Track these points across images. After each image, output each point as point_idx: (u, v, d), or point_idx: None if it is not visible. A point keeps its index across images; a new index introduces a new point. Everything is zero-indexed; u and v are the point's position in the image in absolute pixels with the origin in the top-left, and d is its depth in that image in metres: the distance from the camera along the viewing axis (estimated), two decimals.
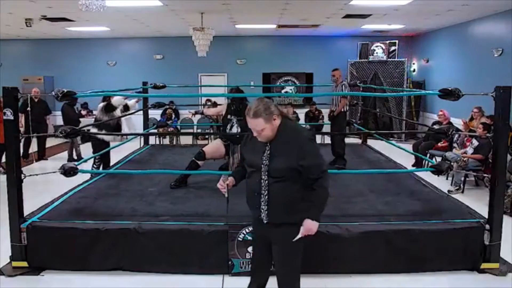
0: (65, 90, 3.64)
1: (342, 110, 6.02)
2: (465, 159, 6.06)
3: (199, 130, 10.75)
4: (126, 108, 6.27)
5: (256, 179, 2.37)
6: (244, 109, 4.79)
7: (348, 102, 6.35)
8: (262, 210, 2.38)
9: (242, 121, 4.63)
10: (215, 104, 10.18)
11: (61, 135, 3.79)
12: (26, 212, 3.67)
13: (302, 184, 2.35)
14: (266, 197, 2.36)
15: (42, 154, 8.48)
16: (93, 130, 5.88)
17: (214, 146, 4.85)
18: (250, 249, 3.30)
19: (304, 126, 9.15)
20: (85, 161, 4.95)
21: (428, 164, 4.67)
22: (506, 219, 3.82)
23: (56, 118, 12.03)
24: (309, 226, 2.36)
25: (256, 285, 2.62)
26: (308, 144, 2.34)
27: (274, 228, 2.41)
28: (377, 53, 11.15)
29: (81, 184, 4.76)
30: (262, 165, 2.34)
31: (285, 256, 2.44)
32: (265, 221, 2.39)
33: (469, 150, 6.24)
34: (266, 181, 2.34)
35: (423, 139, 7.60)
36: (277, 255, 2.47)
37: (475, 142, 6.16)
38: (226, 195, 2.52)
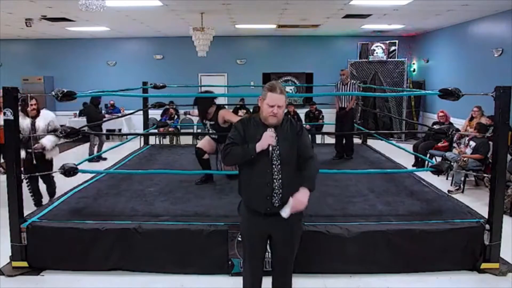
0: (65, 90, 3.64)
1: (353, 106, 6.52)
2: (465, 159, 6.06)
3: (199, 130, 10.74)
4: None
5: (266, 166, 2.42)
6: (216, 113, 4.64)
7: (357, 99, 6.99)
8: (275, 195, 2.42)
9: (215, 125, 4.67)
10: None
11: (61, 135, 3.79)
12: (26, 212, 3.67)
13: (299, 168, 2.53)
14: (280, 180, 2.43)
15: None
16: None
17: (205, 141, 4.90)
18: None
19: (304, 125, 9.13)
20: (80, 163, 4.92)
21: (428, 164, 4.67)
22: (506, 219, 3.82)
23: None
24: (300, 200, 2.35)
25: None
26: (303, 128, 2.59)
27: (280, 216, 2.44)
28: (377, 53, 11.15)
29: (81, 184, 4.76)
30: (273, 150, 2.41)
31: (294, 243, 2.58)
32: (276, 205, 2.43)
33: (468, 151, 6.23)
34: (279, 166, 2.42)
35: (423, 139, 7.60)
36: (285, 244, 2.55)
37: (472, 143, 6.15)
38: (270, 149, 2.41)
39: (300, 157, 2.49)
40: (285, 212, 2.37)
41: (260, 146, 2.38)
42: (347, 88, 6.40)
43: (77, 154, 8.49)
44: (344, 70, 6.57)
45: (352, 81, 6.52)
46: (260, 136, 2.42)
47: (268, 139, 2.37)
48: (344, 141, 6.52)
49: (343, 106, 6.48)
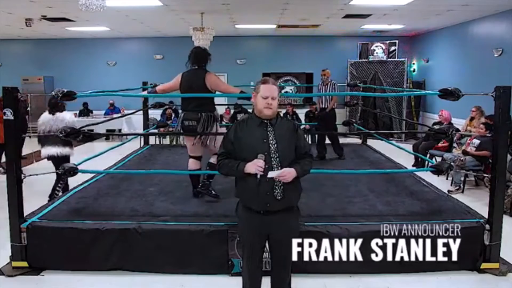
0: (65, 90, 3.64)
1: (333, 106, 6.54)
2: (462, 158, 6.05)
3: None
4: None
5: (265, 163, 2.42)
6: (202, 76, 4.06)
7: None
8: (277, 187, 2.43)
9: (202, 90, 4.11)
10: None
11: (61, 135, 3.79)
12: (26, 212, 3.67)
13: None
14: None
15: None
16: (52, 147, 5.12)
17: (196, 147, 4.52)
18: None
19: (304, 126, 9.15)
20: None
21: (428, 164, 4.67)
22: (506, 219, 3.82)
23: None
24: (289, 171, 2.42)
25: None
26: (299, 127, 2.66)
27: (279, 215, 2.49)
28: (377, 53, 11.16)
29: (81, 184, 4.76)
30: (271, 147, 2.44)
31: (292, 242, 2.63)
32: (279, 197, 2.45)
33: (469, 149, 6.21)
34: (279, 163, 2.43)
35: (423, 139, 7.60)
36: (283, 244, 2.57)
37: (476, 141, 6.13)
38: (258, 176, 2.41)
39: (297, 153, 2.54)
40: (272, 174, 2.38)
41: (248, 170, 2.42)
42: (327, 88, 6.45)
43: (77, 154, 8.45)
44: (324, 71, 6.54)
45: (333, 81, 6.55)
46: (258, 133, 2.47)
47: (257, 165, 2.37)
48: (326, 142, 6.55)
49: (323, 106, 6.53)
